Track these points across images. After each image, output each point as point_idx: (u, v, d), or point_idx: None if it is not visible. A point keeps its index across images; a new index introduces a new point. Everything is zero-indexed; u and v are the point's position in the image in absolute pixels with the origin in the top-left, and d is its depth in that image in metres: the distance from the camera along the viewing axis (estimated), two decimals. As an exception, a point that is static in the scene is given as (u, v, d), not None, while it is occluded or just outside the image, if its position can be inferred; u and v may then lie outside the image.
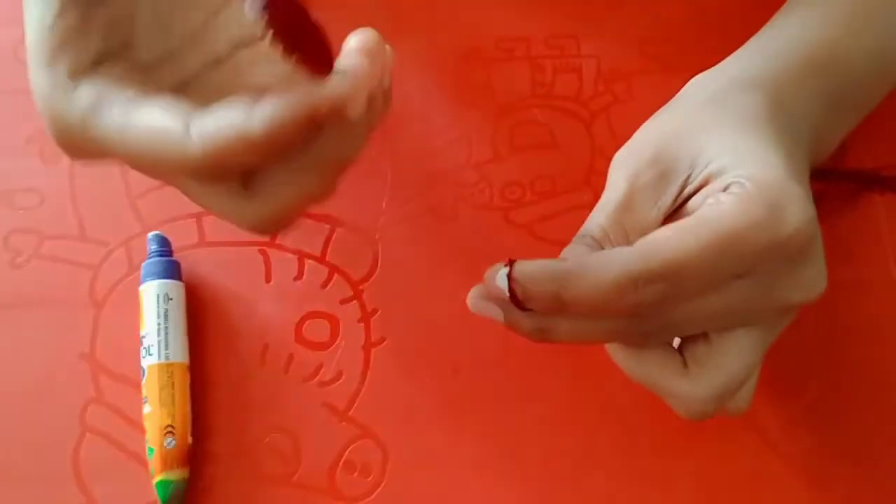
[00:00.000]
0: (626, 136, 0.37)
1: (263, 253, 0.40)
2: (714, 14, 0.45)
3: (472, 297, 0.31)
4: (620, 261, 0.28)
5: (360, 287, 0.40)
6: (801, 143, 0.33)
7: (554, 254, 0.39)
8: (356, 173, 0.41)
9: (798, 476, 0.37)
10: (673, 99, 0.36)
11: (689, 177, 0.32)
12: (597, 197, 0.40)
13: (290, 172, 0.27)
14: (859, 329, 0.36)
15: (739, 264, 0.29)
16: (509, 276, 0.29)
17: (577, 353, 0.38)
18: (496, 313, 0.30)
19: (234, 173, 0.27)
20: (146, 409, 0.36)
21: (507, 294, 0.29)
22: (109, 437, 0.37)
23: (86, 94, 0.27)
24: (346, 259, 0.40)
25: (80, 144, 0.28)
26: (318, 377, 0.38)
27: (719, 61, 0.37)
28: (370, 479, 0.37)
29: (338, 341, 0.39)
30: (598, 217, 0.33)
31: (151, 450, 0.35)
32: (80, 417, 0.37)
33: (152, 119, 0.26)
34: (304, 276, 0.40)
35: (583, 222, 0.39)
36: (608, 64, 0.44)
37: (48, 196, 0.41)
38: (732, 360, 0.31)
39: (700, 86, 0.36)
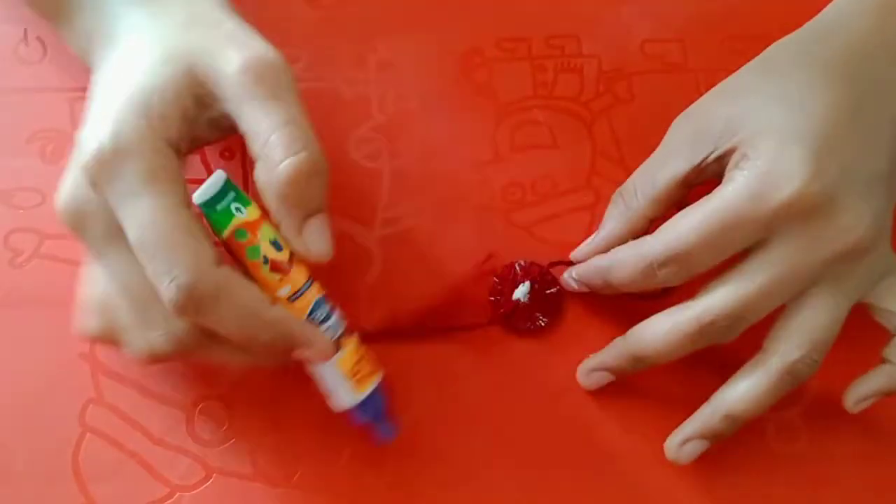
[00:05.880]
0: (628, 137, 0.37)
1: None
2: (716, 14, 0.45)
3: (582, 374, 0.38)
4: (641, 251, 0.35)
5: (360, 287, 0.39)
6: (874, 93, 0.34)
7: (554, 255, 0.39)
8: (356, 174, 0.41)
9: (796, 476, 0.37)
10: (753, 59, 0.37)
11: (720, 139, 0.35)
12: (598, 198, 0.41)
13: None
14: (857, 329, 0.36)
15: (743, 237, 0.33)
16: (573, 277, 0.38)
17: (576, 353, 0.38)
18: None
19: None
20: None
21: (577, 288, 0.38)
22: (109, 438, 0.37)
23: None
24: (346, 259, 0.40)
25: None
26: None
27: (721, 61, 0.37)
28: (370, 480, 0.37)
29: (338, 342, 0.39)
30: (635, 174, 0.38)
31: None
32: (79, 417, 0.37)
33: None
34: (305, 277, 0.39)
35: (584, 223, 0.39)
36: (609, 64, 0.44)
37: (48, 195, 0.41)
38: (804, 321, 0.34)
39: (773, 49, 0.37)
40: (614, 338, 0.37)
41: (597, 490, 0.37)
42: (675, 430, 0.35)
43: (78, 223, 0.32)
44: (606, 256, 0.37)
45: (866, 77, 0.35)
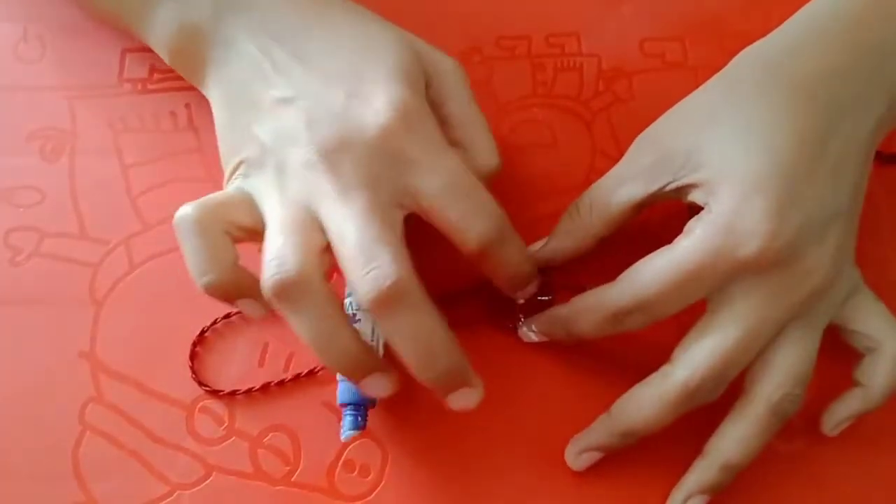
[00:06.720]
0: (627, 136, 0.37)
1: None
2: (716, 12, 0.45)
3: (571, 456, 0.37)
4: (605, 301, 0.34)
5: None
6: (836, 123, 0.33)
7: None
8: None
9: (796, 475, 0.37)
10: (719, 73, 0.36)
11: (680, 170, 0.34)
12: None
13: None
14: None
15: (705, 287, 0.33)
16: (532, 330, 0.38)
17: (575, 354, 0.38)
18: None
19: None
20: None
21: (536, 340, 0.38)
22: (109, 436, 0.37)
23: None
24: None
25: None
26: (317, 376, 0.38)
27: (721, 60, 0.37)
28: (369, 478, 0.37)
29: (338, 340, 0.38)
30: (592, 190, 0.37)
31: None
32: (79, 416, 0.37)
33: None
34: (304, 275, 0.39)
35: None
36: (609, 62, 0.44)
37: (48, 194, 0.41)
38: (782, 359, 0.34)
39: (740, 62, 0.36)
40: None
41: (592, 485, 0.37)
42: (675, 488, 0.35)
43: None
44: (566, 307, 0.36)
45: (837, 98, 0.34)
